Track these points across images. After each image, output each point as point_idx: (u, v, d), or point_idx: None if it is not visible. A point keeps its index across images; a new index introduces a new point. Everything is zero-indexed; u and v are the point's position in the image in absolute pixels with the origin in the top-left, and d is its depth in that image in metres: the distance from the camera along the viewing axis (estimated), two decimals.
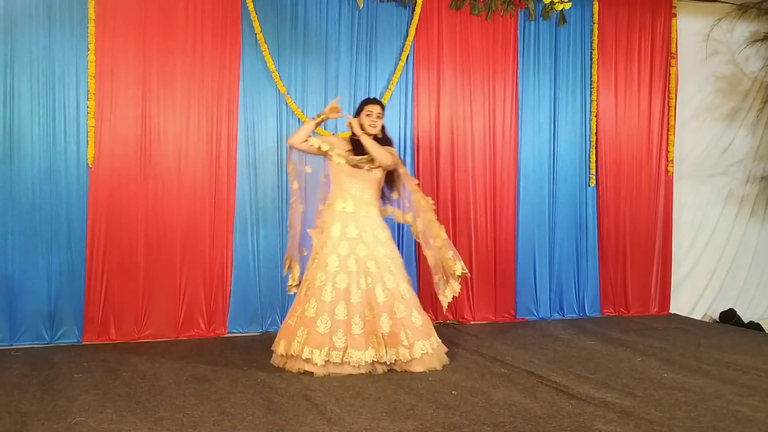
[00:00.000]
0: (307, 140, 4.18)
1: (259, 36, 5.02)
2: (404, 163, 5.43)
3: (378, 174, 4.18)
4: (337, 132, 5.24)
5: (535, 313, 5.81)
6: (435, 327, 5.32)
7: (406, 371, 3.96)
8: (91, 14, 4.67)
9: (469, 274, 4.34)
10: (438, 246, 4.19)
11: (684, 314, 6.18)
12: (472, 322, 5.58)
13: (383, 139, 4.27)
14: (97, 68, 4.70)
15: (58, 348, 4.55)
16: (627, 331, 5.32)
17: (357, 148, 4.17)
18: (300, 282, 4.27)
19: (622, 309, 6.06)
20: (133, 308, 4.82)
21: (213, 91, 4.98)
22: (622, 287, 6.06)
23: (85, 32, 4.68)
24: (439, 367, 4.07)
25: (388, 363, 3.95)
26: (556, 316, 5.87)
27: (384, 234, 4.19)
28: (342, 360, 3.87)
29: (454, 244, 5.51)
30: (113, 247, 4.77)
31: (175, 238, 4.90)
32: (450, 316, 5.55)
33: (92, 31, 4.67)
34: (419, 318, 4.08)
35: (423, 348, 4.00)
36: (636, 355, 4.58)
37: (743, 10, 6.21)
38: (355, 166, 4.11)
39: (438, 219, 5.43)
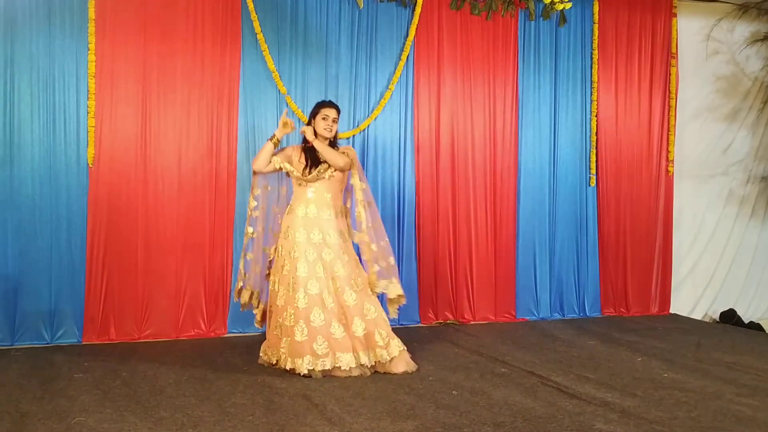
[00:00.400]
0: (270, 162, 4.11)
1: (260, 36, 5.02)
2: (404, 163, 5.46)
3: (339, 175, 4.11)
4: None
5: (536, 313, 5.81)
6: (435, 327, 5.38)
7: (387, 372, 3.93)
8: (91, 14, 4.67)
9: (403, 302, 4.06)
10: (366, 259, 4.08)
11: (684, 314, 6.18)
12: (472, 322, 5.57)
13: (334, 143, 4.16)
14: (97, 68, 4.70)
15: (58, 348, 4.55)
16: (627, 331, 5.32)
17: (310, 154, 4.10)
18: (259, 302, 4.26)
19: (622, 309, 6.06)
20: (134, 308, 4.82)
21: (213, 90, 4.97)
22: (622, 287, 6.06)
23: (85, 32, 4.68)
24: (413, 368, 4.02)
25: (368, 366, 3.92)
26: (557, 316, 5.87)
27: (346, 234, 4.12)
28: (333, 366, 3.85)
29: (455, 243, 5.56)
30: (113, 247, 4.77)
31: (175, 238, 4.90)
32: (451, 316, 5.55)
33: (92, 31, 4.67)
34: (387, 318, 4.04)
35: (399, 345, 3.98)
36: (636, 355, 4.58)
37: (743, 10, 6.21)
38: (315, 179, 4.06)
39: (437, 219, 5.52)
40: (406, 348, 4.07)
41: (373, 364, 3.94)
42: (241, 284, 4.27)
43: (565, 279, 5.92)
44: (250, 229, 4.25)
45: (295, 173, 4.07)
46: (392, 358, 3.94)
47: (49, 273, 4.65)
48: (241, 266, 4.28)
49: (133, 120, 4.81)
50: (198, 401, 3.42)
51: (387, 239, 4.17)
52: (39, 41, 4.61)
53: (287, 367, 3.88)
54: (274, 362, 4.04)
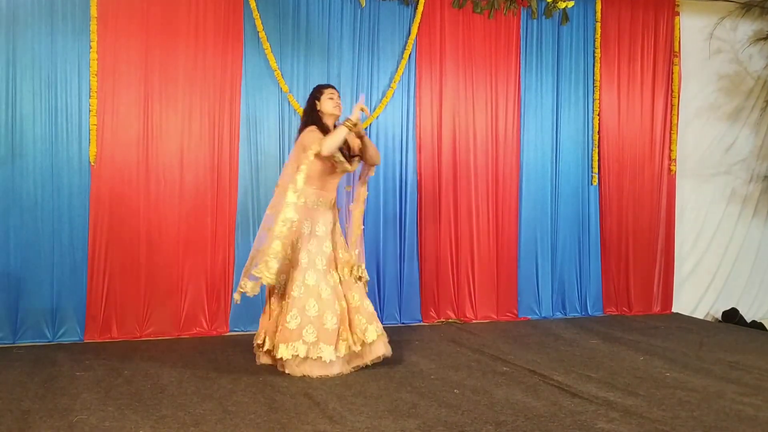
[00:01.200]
0: None
1: (261, 34, 5.02)
2: (406, 161, 5.47)
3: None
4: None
5: (538, 312, 5.80)
6: (437, 326, 5.38)
7: (364, 364, 3.95)
8: (93, 12, 4.67)
9: (368, 280, 4.15)
10: (353, 241, 4.14)
11: (686, 313, 6.17)
12: (474, 321, 5.57)
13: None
14: (99, 66, 4.70)
15: (60, 346, 4.55)
16: (629, 330, 5.31)
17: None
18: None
19: (624, 308, 6.05)
20: (135, 306, 4.82)
21: (215, 89, 4.97)
22: (624, 286, 6.05)
23: (87, 30, 4.68)
24: (390, 352, 4.04)
25: (346, 358, 3.91)
26: (559, 314, 5.86)
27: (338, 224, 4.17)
28: (317, 356, 3.81)
29: (457, 242, 5.58)
30: (115, 245, 4.77)
31: (177, 236, 4.90)
32: (453, 315, 5.55)
33: (94, 29, 4.67)
34: (369, 305, 4.09)
35: (378, 330, 4.01)
36: (638, 354, 4.57)
37: (746, 8, 6.20)
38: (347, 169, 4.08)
39: (439, 218, 5.52)
40: (384, 333, 4.07)
41: (350, 352, 3.92)
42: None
43: (567, 278, 5.91)
44: (296, 217, 3.86)
45: (345, 165, 4.02)
46: (372, 342, 3.97)
47: (50, 271, 4.66)
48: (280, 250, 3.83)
49: (135, 118, 4.81)
50: (200, 399, 3.42)
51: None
52: (41, 39, 4.62)
53: (277, 356, 3.87)
54: (263, 344, 4.03)
